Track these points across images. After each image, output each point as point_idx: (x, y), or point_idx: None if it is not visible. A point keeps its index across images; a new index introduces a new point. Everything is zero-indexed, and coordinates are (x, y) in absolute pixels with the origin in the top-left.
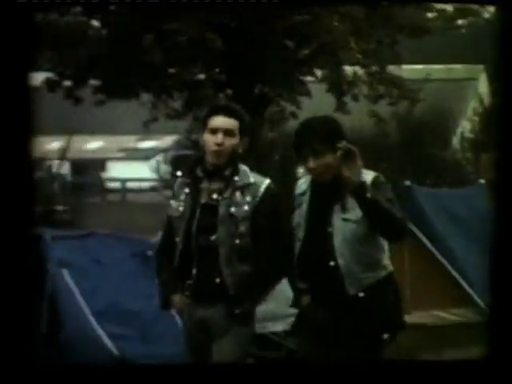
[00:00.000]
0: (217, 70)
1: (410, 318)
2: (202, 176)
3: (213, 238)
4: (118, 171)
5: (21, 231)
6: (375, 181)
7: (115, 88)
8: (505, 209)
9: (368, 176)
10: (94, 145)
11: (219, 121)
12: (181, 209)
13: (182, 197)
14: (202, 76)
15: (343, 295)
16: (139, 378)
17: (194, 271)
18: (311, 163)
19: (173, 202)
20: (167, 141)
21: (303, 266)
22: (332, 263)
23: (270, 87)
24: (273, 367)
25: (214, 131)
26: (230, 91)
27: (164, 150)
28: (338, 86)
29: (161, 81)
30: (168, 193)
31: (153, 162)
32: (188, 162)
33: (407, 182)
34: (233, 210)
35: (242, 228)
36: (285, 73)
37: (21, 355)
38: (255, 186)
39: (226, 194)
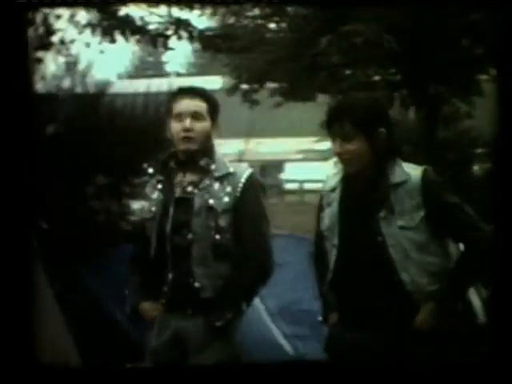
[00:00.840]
0: (392, 70)
1: None
2: (176, 168)
3: (190, 236)
4: (296, 173)
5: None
6: (425, 177)
7: (292, 90)
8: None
9: (414, 172)
10: (271, 147)
11: (184, 104)
12: (153, 209)
13: (155, 195)
14: (377, 77)
15: (408, 317)
16: (138, 380)
17: (170, 276)
18: (337, 147)
19: (144, 204)
20: None
21: (341, 278)
22: (395, 278)
23: (445, 87)
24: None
25: (180, 116)
26: (405, 91)
27: None
28: None
29: (337, 82)
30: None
31: (330, 163)
32: (160, 158)
33: None
34: (211, 201)
35: (222, 222)
36: (460, 72)
37: (20, 355)
38: (236, 175)
39: (203, 185)
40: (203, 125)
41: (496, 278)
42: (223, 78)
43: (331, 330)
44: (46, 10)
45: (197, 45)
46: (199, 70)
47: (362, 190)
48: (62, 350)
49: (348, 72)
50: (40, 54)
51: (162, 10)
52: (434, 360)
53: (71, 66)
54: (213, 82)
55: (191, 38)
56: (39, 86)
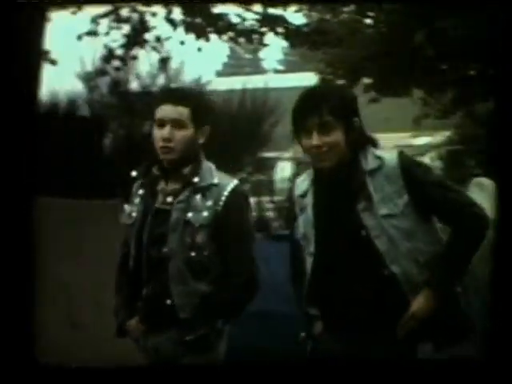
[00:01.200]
0: (487, 65)
1: None
2: (159, 175)
3: (165, 249)
4: None
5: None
6: (403, 160)
7: (388, 85)
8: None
9: (388, 155)
10: None
11: (165, 110)
12: (134, 215)
13: (137, 201)
14: (472, 72)
15: (403, 312)
16: (136, 380)
17: (145, 291)
18: (315, 139)
19: (126, 207)
20: (439, 137)
21: (323, 286)
22: (385, 272)
23: None
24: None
25: (161, 123)
26: (501, 87)
27: (436, 147)
28: None
29: (433, 77)
30: None
31: (427, 158)
32: (145, 160)
33: None
34: (190, 215)
35: (200, 238)
36: None
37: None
38: (219, 187)
39: (182, 197)
40: (184, 133)
41: (496, 277)
42: (318, 74)
43: (317, 341)
44: (142, 8)
45: (292, 41)
46: (295, 66)
47: (337, 185)
48: (62, 350)
49: (443, 67)
50: (135, 51)
51: (257, 7)
52: (432, 358)
53: (166, 63)
54: (308, 79)
55: (287, 34)
56: (134, 84)
